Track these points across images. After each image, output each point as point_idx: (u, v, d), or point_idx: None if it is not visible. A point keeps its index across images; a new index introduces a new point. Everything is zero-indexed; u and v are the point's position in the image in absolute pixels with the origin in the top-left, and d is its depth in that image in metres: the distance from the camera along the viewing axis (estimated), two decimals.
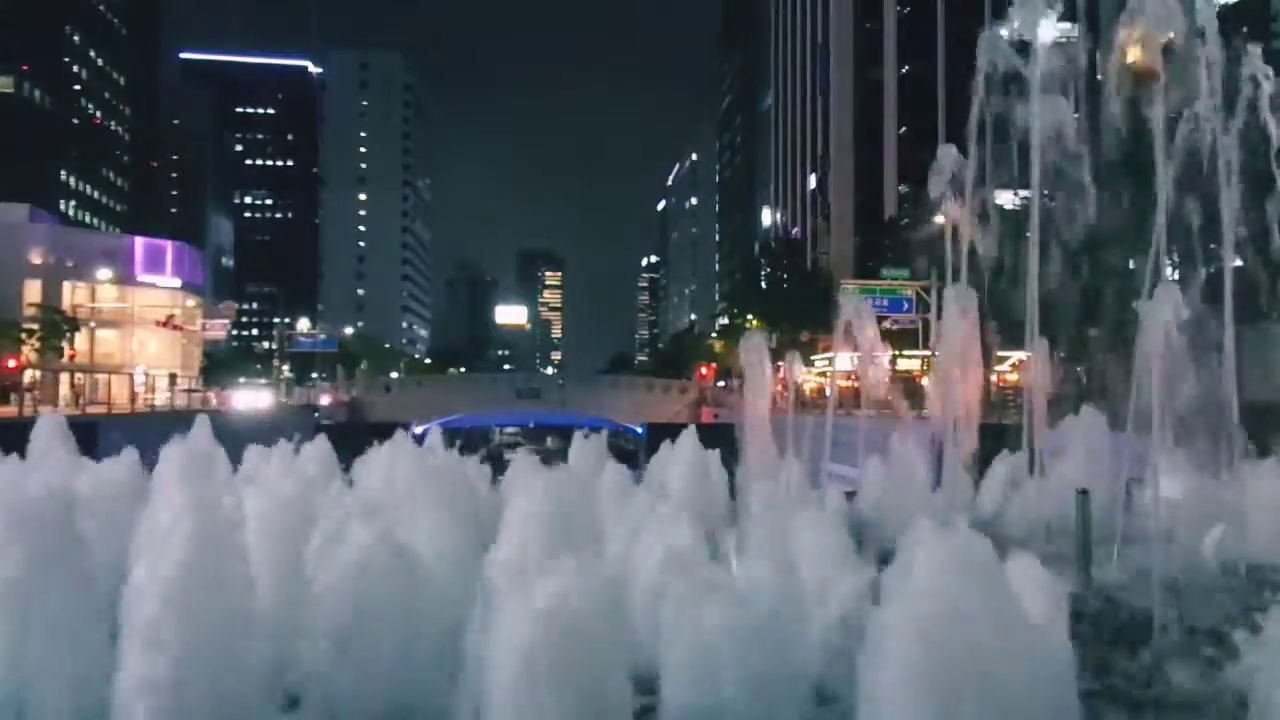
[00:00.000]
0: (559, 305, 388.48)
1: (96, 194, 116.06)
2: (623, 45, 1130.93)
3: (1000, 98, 14.83)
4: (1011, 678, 4.98)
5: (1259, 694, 6.35)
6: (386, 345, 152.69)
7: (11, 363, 54.68)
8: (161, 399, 57.62)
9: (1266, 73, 13.97)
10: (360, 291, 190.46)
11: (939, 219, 16.41)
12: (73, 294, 66.45)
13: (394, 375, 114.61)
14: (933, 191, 15.76)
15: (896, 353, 48.63)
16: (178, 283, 75.66)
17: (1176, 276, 14.71)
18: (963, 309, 14.35)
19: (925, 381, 39.58)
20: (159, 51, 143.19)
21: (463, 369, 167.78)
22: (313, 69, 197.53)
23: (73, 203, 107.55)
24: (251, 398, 63.74)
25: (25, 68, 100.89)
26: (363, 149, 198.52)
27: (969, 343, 14.48)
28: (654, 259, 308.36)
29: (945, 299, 14.75)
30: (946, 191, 15.77)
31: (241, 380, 78.15)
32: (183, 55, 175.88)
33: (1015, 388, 38.08)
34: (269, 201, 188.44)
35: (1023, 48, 14.66)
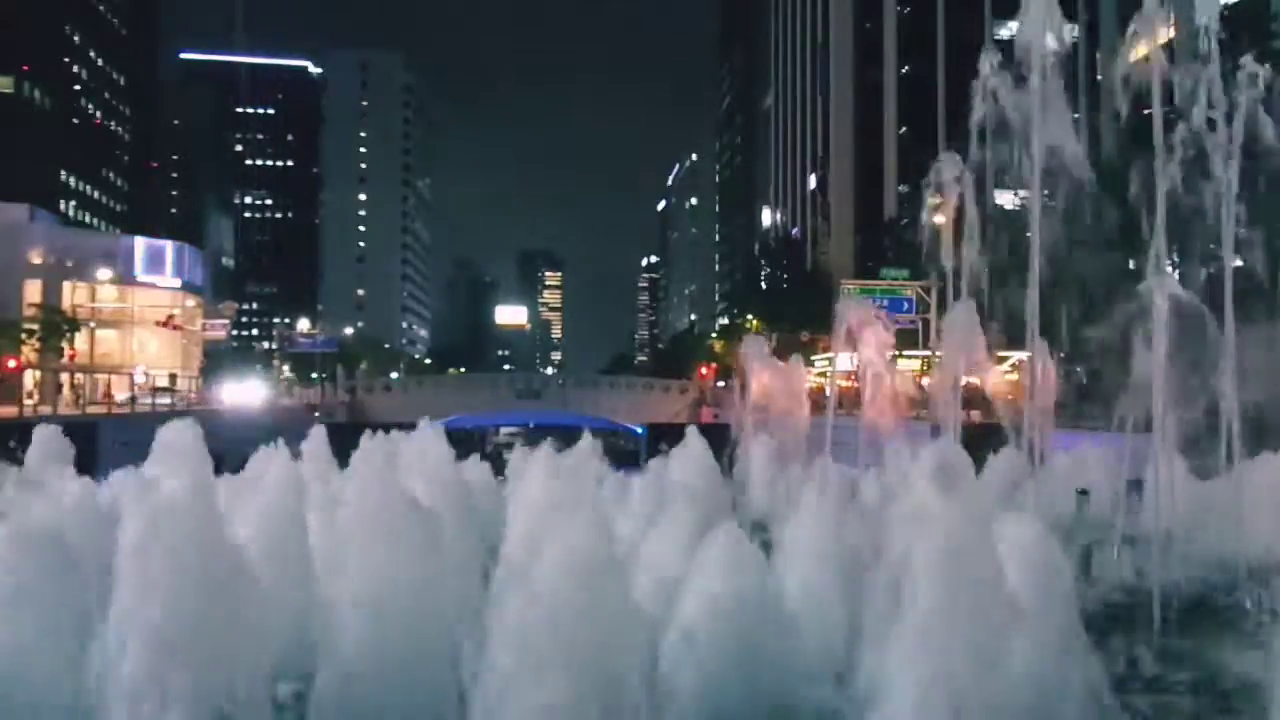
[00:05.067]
0: (559, 305, 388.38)
1: (96, 194, 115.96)
2: (623, 45, 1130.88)
3: (1000, 100, 14.85)
4: None
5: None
6: (386, 345, 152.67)
7: (11, 363, 54.69)
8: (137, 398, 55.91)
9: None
10: (360, 291, 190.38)
11: (938, 218, 16.45)
12: (73, 294, 66.45)
13: (394, 375, 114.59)
14: (933, 198, 15.80)
15: (897, 353, 48.62)
16: (178, 283, 75.71)
17: (1177, 276, 14.71)
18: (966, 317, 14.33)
19: (925, 381, 39.60)
20: (159, 51, 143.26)
21: (463, 369, 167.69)
22: (313, 69, 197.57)
23: (73, 203, 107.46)
24: (244, 394, 62.19)
25: (25, 68, 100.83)
26: (363, 149, 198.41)
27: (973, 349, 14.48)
28: (654, 259, 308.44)
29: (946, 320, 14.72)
30: (947, 196, 15.81)
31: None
32: (183, 55, 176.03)
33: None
34: (269, 201, 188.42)
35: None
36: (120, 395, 55.28)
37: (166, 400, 52.47)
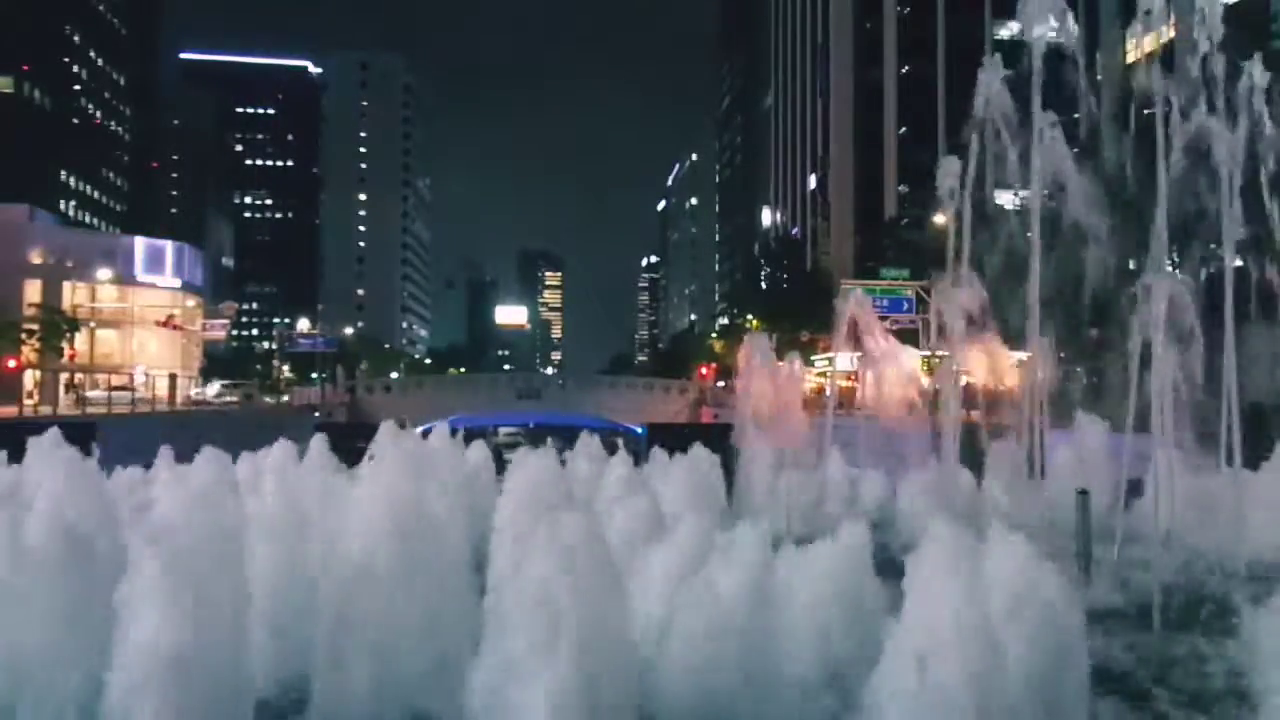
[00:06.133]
0: (559, 305, 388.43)
1: (96, 194, 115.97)
2: (623, 45, 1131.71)
3: (999, 100, 14.84)
4: None
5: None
6: (386, 345, 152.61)
7: (11, 363, 54.64)
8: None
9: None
10: (360, 291, 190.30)
11: (939, 218, 16.43)
12: (73, 294, 66.47)
13: (394, 375, 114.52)
14: (935, 199, 15.78)
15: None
16: (178, 283, 75.72)
17: (1176, 276, 14.69)
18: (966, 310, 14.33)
19: (925, 381, 39.54)
20: (159, 51, 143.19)
21: (463, 369, 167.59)
22: (313, 69, 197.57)
23: (73, 203, 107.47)
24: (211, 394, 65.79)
25: (25, 68, 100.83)
26: (363, 149, 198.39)
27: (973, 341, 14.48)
28: (654, 259, 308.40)
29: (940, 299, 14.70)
30: (947, 198, 15.81)
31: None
32: (183, 55, 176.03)
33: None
34: (269, 201, 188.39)
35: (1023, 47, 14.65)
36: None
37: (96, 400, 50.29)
